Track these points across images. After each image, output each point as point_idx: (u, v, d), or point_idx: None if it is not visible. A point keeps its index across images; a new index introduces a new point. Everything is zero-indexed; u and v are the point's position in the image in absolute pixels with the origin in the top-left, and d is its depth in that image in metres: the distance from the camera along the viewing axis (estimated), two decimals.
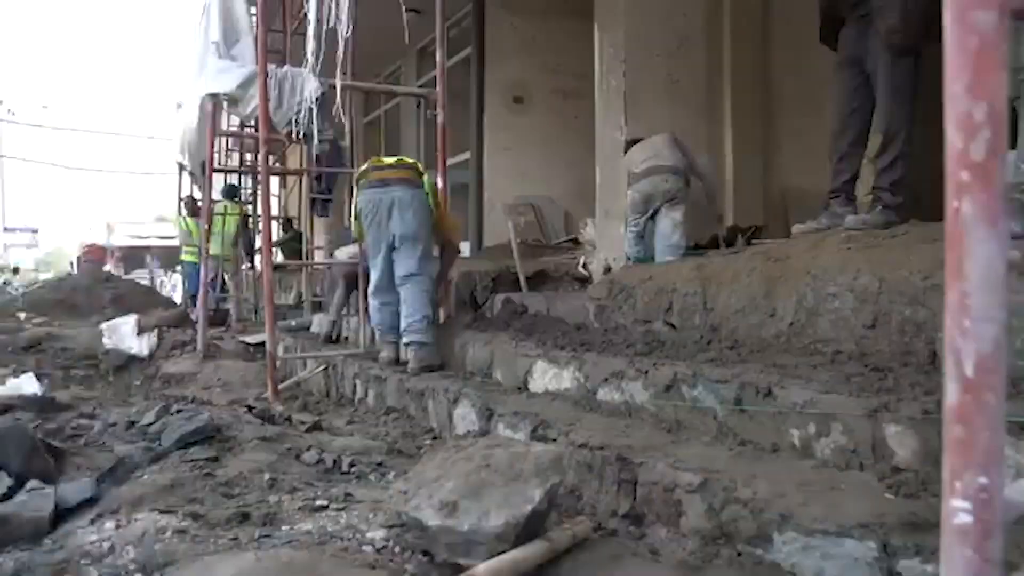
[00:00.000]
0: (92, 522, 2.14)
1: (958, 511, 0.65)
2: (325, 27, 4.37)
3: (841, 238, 3.26)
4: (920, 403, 1.93)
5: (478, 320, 5.14)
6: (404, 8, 4.65)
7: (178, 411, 3.20)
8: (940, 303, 2.01)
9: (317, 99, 4.72)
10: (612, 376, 2.96)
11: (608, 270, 5.05)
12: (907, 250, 2.71)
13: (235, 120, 8.53)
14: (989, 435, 0.64)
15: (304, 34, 8.09)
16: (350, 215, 4.78)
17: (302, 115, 4.85)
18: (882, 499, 1.75)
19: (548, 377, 3.35)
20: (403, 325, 4.40)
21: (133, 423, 3.20)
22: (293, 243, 10.33)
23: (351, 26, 4.27)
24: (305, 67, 4.54)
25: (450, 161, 5.53)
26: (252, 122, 6.95)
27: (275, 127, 5.12)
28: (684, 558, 1.87)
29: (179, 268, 12.40)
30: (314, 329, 7.41)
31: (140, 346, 6.33)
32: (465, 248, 8.44)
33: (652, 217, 4.93)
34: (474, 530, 1.76)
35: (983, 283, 0.64)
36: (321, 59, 4.51)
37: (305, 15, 5.65)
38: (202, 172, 7.33)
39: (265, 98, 4.71)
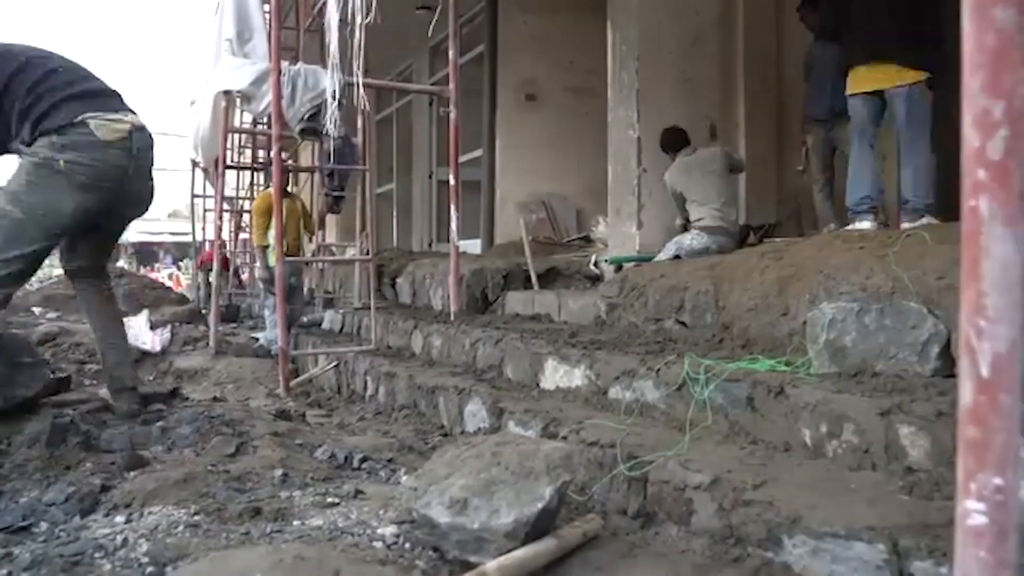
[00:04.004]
0: (106, 515, 2.16)
1: (972, 512, 0.64)
2: (349, 23, 4.37)
3: (854, 238, 3.24)
4: (934, 403, 1.92)
5: (489, 317, 5.15)
6: (418, 7, 4.65)
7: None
8: (954, 303, 1.99)
9: (335, 94, 4.72)
10: (623, 374, 2.96)
11: (619, 268, 5.04)
12: (921, 250, 2.69)
13: (248, 117, 8.58)
14: (1004, 436, 0.64)
15: (318, 31, 8.11)
16: None
17: (322, 111, 4.85)
18: (894, 500, 1.74)
19: (559, 375, 3.35)
20: None
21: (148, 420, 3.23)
22: None
23: (367, 19, 4.27)
24: (328, 65, 4.54)
25: (462, 158, 5.54)
26: (265, 119, 6.98)
27: (288, 124, 5.14)
28: (694, 558, 1.87)
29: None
30: (325, 325, 7.45)
31: (152, 342, 6.36)
32: (476, 245, 8.45)
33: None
34: (484, 527, 1.76)
35: (999, 283, 0.63)
36: (336, 55, 4.51)
37: (320, 12, 5.67)
38: (215, 169, 7.37)
39: (278, 95, 4.73)
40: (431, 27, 4.85)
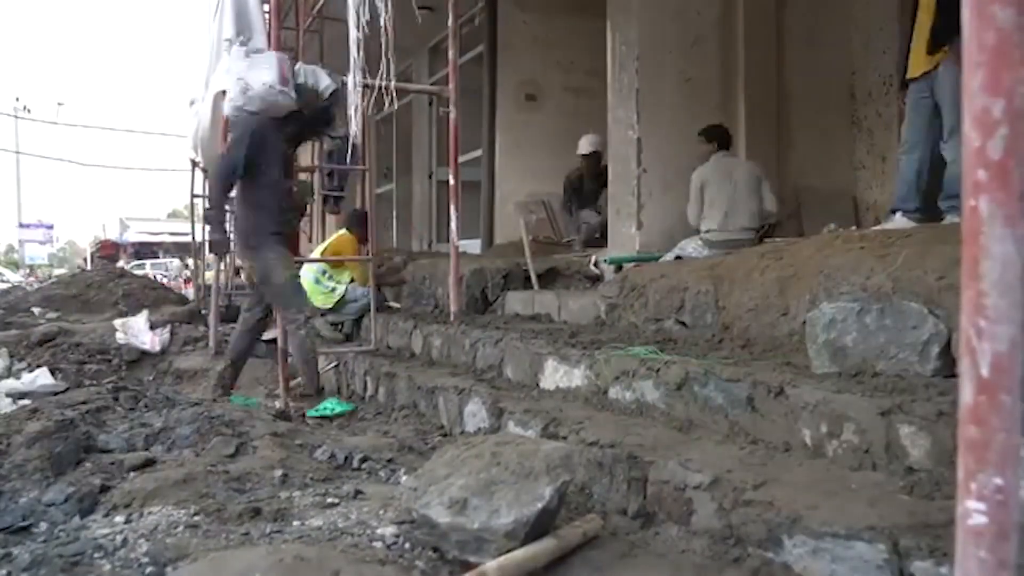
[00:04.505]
0: (105, 515, 2.16)
1: (973, 512, 0.64)
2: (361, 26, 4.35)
3: (854, 238, 3.24)
4: (934, 403, 1.92)
5: (489, 317, 5.14)
6: (416, 6, 4.64)
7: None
8: (955, 303, 1.99)
9: (331, 94, 4.71)
10: (623, 374, 2.96)
11: (619, 268, 5.04)
12: (921, 250, 2.68)
13: None
14: (1005, 436, 0.63)
15: (318, 31, 8.09)
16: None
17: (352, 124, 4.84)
18: (895, 500, 1.74)
19: (559, 375, 3.35)
20: None
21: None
22: None
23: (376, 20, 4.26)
24: (349, 71, 4.52)
25: (462, 159, 5.53)
26: None
27: None
28: (694, 558, 1.86)
29: None
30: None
31: (152, 342, 6.36)
32: (476, 245, 8.44)
33: None
34: (484, 528, 1.76)
35: (1000, 283, 0.63)
36: (357, 55, 4.48)
37: (320, 12, 5.65)
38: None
39: None
40: (418, 15, 4.79)
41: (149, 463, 2.61)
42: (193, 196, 11.58)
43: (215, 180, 4.56)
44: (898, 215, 3.90)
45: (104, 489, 2.34)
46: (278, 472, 2.53)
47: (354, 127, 4.74)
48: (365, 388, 4.80)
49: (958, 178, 3.59)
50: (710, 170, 4.92)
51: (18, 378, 5.19)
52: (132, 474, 2.51)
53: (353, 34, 4.31)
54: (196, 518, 2.08)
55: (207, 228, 4.94)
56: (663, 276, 3.95)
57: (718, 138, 5.06)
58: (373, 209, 6.24)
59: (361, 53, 4.37)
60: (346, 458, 2.85)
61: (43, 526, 2.12)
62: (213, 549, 1.85)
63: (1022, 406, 0.64)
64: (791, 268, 3.18)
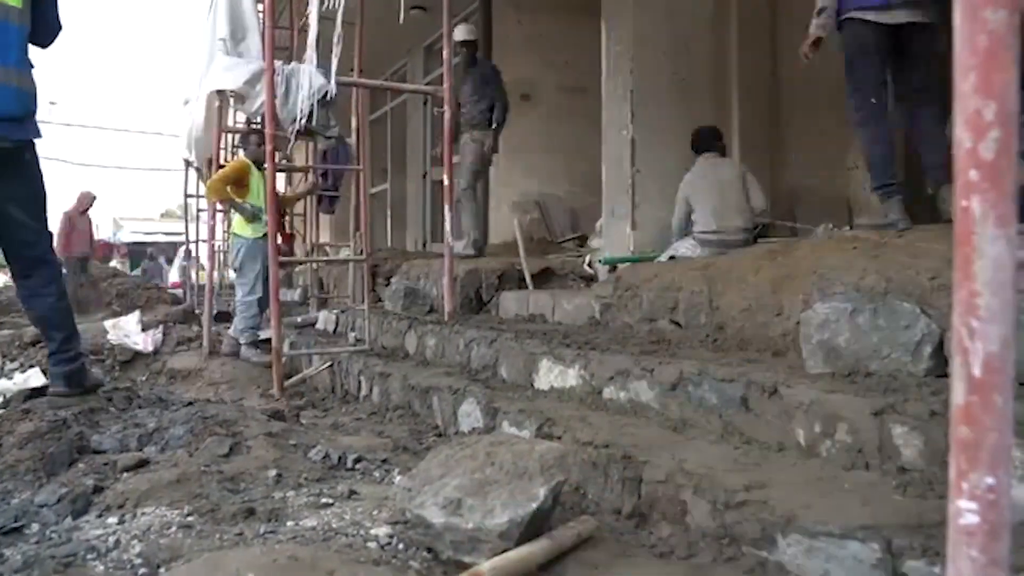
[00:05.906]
0: (98, 516, 2.16)
1: (964, 512, 0.65)
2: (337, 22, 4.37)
3: (847, 238, 3.25)
4: (927, 403, 1.93)
5: (483, 317, 5.14)
6: (409, 6, 4.64)
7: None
8: (947, 303, 2.00)
9: (326, 96, 4.71)
10: (617, 374, 2.96)
11: (613, 268, 5.04)
12: (914, 250, 2.70)
13: (241, 116, 8.55)
14: (996, 436, 0.64)
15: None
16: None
17: (303, 110, 4.84)
18: (888, 499, 1.75)
19: (553, 375, 3.35)
20: None
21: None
22: None
23: (357, 22, 4.26)
24: (305, 61, 4.53)
25: (456, 158, 5.53)
26: (259, 119, 6.96)
27: (281, 124, 5.12)
28: (689, 558, 1.87)
29: None
30: (320, 325, 7.43)
31: (145, 342, 6.34)
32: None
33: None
34: (478, 528, 1.76)
35: (992, 283, 0.63)
36: (318, 53, 4.50)
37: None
38: (208, 168, 7.35)
39: (272, 95, 4.72)
40: (401, 13, 4.79)
41: (142, 463, 2.60)
42: (187, 196, 11.55)
43: None
44: None
45: (97, 490, 2.33)
46: (272, 472, 2.52)
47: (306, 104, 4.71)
48: (359, 388, 4.79)
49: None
50: (696, 175, 4.86)
51: (10, 378, 5.16)
52: (125, 475, 2.50)
53: (314, 23, 4.31)
54: (190, 518, 2.08)
55: None
56: (657, 276, 3.95)
57: (701, 141, 5.01)
58: (367, 210, 6.22)
59: (314, 38, 4.38)
60: (340, 458, 2.85)
61: (35, 527, 2.11)
62: (207, 549, 1.85)
63: (1014, 406, 0.65)
64: (785, 268, 3.19)
